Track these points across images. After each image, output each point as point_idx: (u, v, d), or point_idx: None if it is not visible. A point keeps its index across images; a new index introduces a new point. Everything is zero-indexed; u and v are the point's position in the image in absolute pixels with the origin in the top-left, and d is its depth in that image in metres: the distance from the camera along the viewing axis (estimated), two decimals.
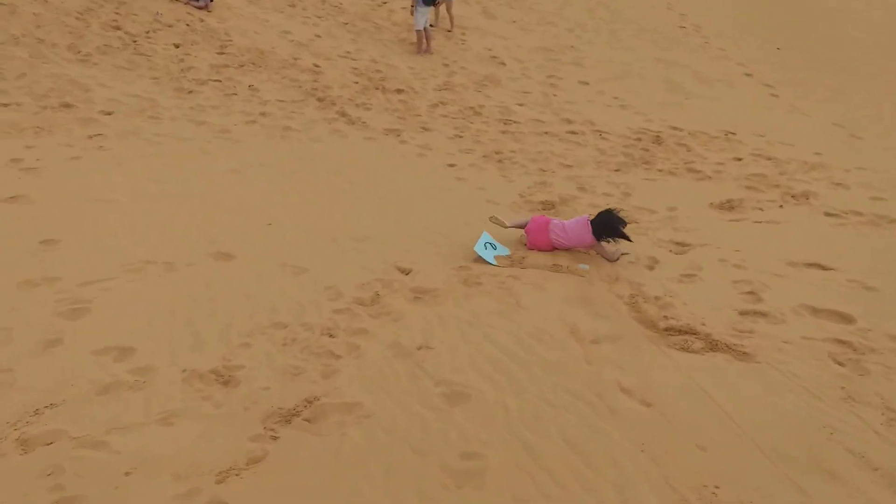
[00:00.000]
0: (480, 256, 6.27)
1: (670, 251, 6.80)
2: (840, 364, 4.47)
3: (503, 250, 6.50)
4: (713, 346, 4.65)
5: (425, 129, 10.73)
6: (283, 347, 4.60)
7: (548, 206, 8.06)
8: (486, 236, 6.55)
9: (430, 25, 14.35)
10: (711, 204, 8.47)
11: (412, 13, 14.10)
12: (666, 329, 4.88)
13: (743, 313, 5.27)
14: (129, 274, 5.62)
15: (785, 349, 4.62)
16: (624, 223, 6.19)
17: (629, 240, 6.24)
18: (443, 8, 15.75)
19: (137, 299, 5.21)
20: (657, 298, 5.52)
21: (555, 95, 12.93)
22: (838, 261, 6.50)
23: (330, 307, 5.25)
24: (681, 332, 4.86)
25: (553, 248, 6.52)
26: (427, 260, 6.30)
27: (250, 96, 11.03)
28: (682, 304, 5.42)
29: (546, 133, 10.97)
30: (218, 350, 4.58)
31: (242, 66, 12.14)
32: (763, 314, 5.23)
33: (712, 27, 18.34)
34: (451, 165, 9.41)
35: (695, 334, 4.82)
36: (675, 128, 11.72)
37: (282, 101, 11.04)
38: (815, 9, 21.00)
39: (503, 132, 10.87)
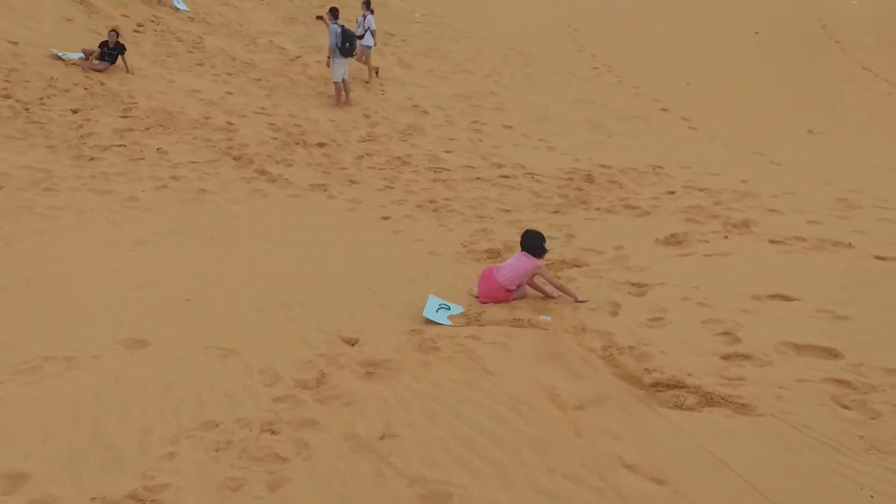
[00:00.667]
0: (431, 320, 5.61)
1: (629, 293, 6.33)
2: (846, 408, 4.02)
3: (456, 308, 5.87)
4: (708, 399, 4.12)
5: (353, 181, 10.09)
6: (216, 454, 3.77)
7: (493, 254, 7.51)
8: (434, 299, 5.91)
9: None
10: (657, 240, 8.13)
11: (328, 65, 13.57)
12: (653, 385, 4.33)
13: (726, 357, 4.79)
14: (21, 376, 4.66)
15: (784, 396, 4.14)
16: (542, 237, 6.17)
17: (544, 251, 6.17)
18: (377, 60, 15.45)
19: (31, 408, 4.27)
20: (632, 349, 4.99)
21: (481, 141, 12.58)
22: (800, 289, 6.18)
23: (267, 395, 4.45)
24: (669, 386, 4.32)
25: (506, 293, 5.98)
26: (373, 325, 5.59)
27: (159, 160, 10.13)
28: (659, 352, 4.90)
29: (478, 179, 10.52)
30: (136, 465, 3.71)
31: (149, 128, 11.23)
32: (746, 356, 4.77)
33: (623, 67, 18.64)
34: (385, 218, 8.78)
35: (684, 388, 4.29)
36: (603, 166, 11.52)
37: (194, 162, 10.19)
38: (728, 41, 21.79)
39: (435, 180, 10.35)
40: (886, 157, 13.46)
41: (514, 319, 5.55)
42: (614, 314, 5.79)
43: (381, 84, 15.39)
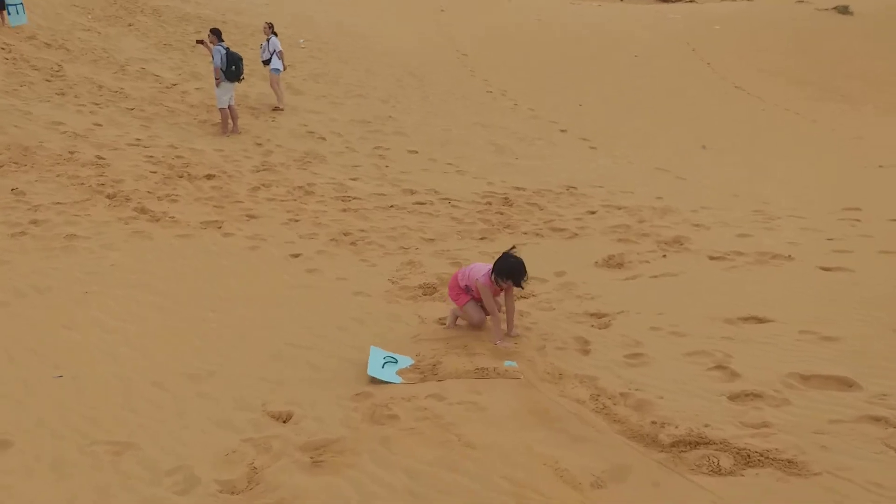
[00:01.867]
0: (378, 378, 4.57)
1: (592, 326, 5.56)
2: None
3: (404, 360, 4.85)
4: (745, 458, 3.35)
5: (251, 216, 8.84)
6: None
7: (428, 289, 6.56)
8: (376, 352, 4.87)
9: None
10: (596, 263, 7.50)
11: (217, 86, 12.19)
12: (673, 444, 3.51)
13: (734, 398, 4.07)
14: None
15: (828, 445, 3.44)
16: (523, 270, 5.22)
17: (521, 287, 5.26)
18: (266, 85, 14.20)
19: None
20: (624, 396, 4.17)
21: (387, 166, 11.63)
22: (768, 309, 5.64)
23: None
24: (691, 444, 3.52)
25: (457, 293, 5.37)
26: (307, 392, 4.48)
27: (15, 202, 8.45)
28: (657, 398, 4.11)
29: (392, 206, 9.56)
30: None
31: (1, 166, 9.46)
32: (756, 395, 4.07)
33: (516, 91, 18.34)
34: (296, 256, 7.62)
35: (710, 444, 3.50)
36: (518, 188, 10.89)
37: (59, 203, 8.57)
38: (610, 63, 22.08)
39: (345, 210, 9.28)
40: (777, 170, 13.73)
41: (476, 369, 4.60)
42: (585, 352, 4.98)
43: (271, 111, 14.14)
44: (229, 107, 12.27)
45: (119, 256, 7.30)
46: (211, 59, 12.47)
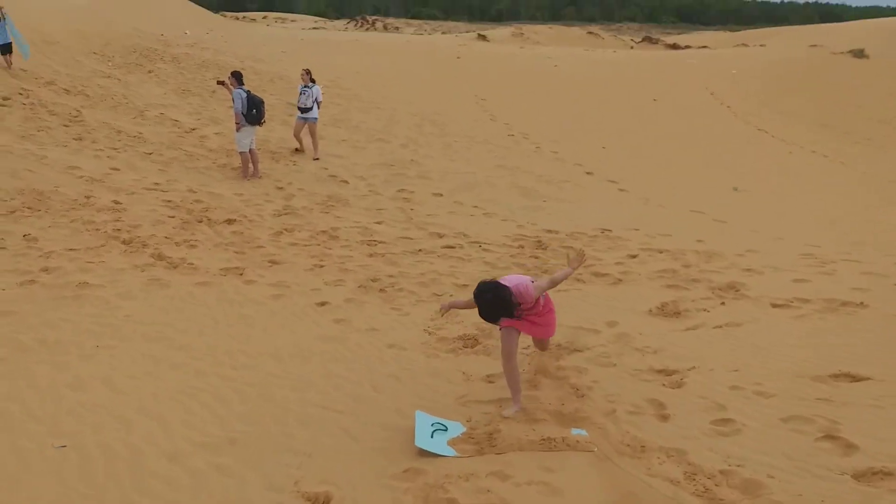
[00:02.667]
0: (428, 450, 3.88)
1: (663, 385, 4.87)
2: None
3: (455, 427, 4.16)
4: None
5: (274, 262, 8.25)
6: None
7: (470, 341, 5.90)
8: (423, 417, 4.20)
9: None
10: (650, 311, 6.82)
11: (238, 130, 11.74)
12: None
13: (859, 477, 3.36)
14: None
15: None
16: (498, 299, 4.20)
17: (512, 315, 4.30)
18: (307, 138, 13.67)
19: None
20: (726, 474, 3.47)
21: (412, 209, 11.08)
22: (858, 365, 4.95)
23: None
24: None
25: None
26: (346, 468, 3.79)
27: (26, 249, 7.91)
28: (766, 477, 3.40)
29: (420, 251, 8.95)
30: None
31: (13, 212, 8.97)
32: (886, 473, 3.36)
33: (538, 134, 17.91)
34: (322, 304, 6.99)
35: None
36: (550, 231, 10.28)
37: (73, 249, 8.03)
38: (629, 107, 21.70)
39: (371, 255, 8.68)
40: (815, 212, 13.10)
41: (542, 440, 3.90)
42: (664, 418, 4.28)
43: (291, 155, 13.70)
44: (250, 151, 11.83)
45: (134, 306, 6.70)
46: (231, 102, 12.10)
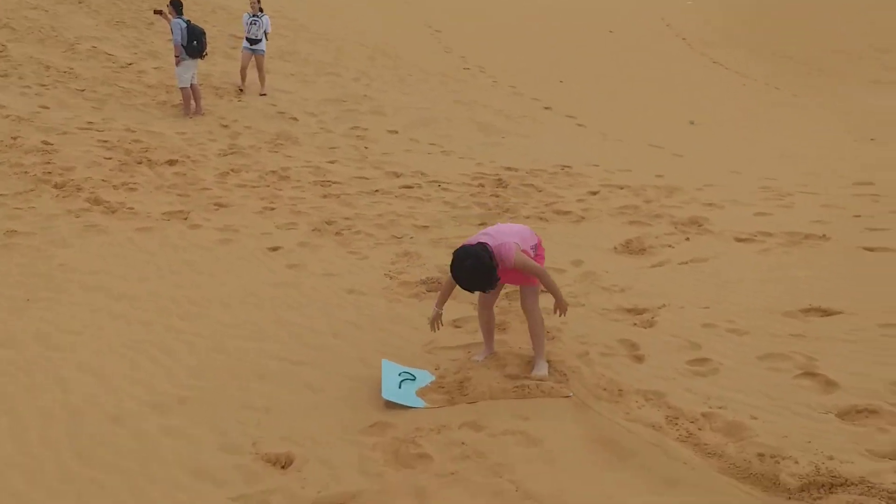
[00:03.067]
0: (396, 402, 3.64)
1: (634, 324, 4.72)
2: None
3: (424, 376, 3.93)
4: None
5: (221, 205, 7.77)
6: None
7: (433, 285, 5.64)
8: (390, 366, 3.94)
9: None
10: (615, 249, 6.67)
11: (178, 64, 10.94)
12: (802, 489, 2.67)
13: (843, 416, 3.26)
14: None
15: None
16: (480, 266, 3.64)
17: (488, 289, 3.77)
18: (252, 72, 12.77)
19: None
20: (708, 417, 3.33)
21: (367, 148, 10.61)
22: (828, 299, 4.87)
23: None
24: (825, 486, 2.68)
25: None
26: (309, 424, 3.53)
27: None
28: (749, 419, 3.28)
29: (377, 191, 8.57)
30: None
31: None
32: (870, 411, 3.26)
33: (494, 67, 17.38)
34: (274, 249, 6.61)
35: (848, 485, 2.67)
36: (509, 168, 9.99)
37: (0, 195, 7.41)
38: (586, 39, 21.22)
39: (325, 196, 8.26)
40: (771, 145, 13.10)
41: (515, 387, 3.69)
42: (638, 359, 4.12)
43: (237, 91, 12.94)
44: (191, 86, 11.07)
45: (69, 254, 6.20)
46: (170, 34, 11.24)
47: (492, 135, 12.13)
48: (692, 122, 14.57)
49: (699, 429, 3.22)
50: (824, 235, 6.58)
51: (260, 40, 12.46)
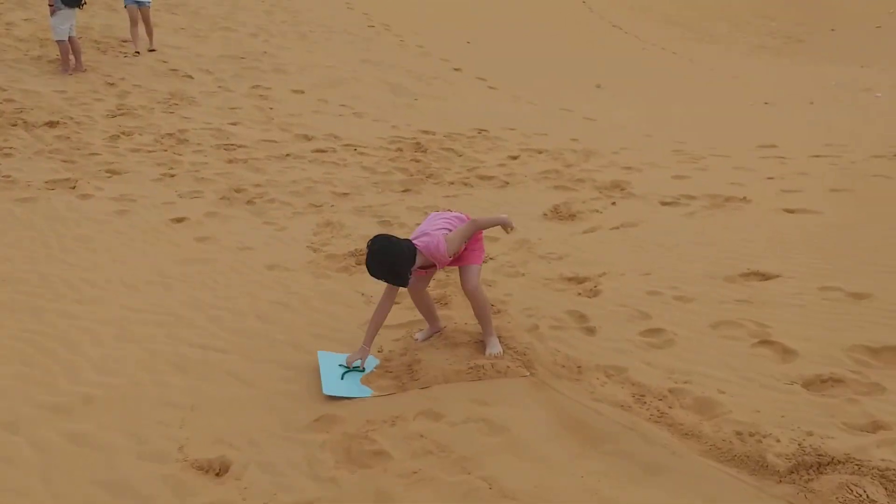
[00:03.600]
0: (340, 396, 3.27)
1: (579, 294, 4.54)
2: None
3: (371, 362, 3.57)
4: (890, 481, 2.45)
5: (113, 171, 7.00)
6: None
7: (363, 256, 5.23)
8: (327, 357, 3.56)
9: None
10: (545, 215, 6.50)
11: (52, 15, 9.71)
12: (791, 470, 2.55)
13: (809, 386, 3.20)
14: None
15: None
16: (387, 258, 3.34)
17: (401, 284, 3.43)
18: (137, 27, 11.36)
19: None
20: (675, 393, 3.19)
21: (272, 108, 9.91)
22: (766, 262, 4.89)
23: None
24: (813, 467, 2.57)
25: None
26: (243, 422, 3.11)
27: None
28: (717, 392, 3.16)
29: (288, 155, 7.99)
30: None
31: None
32: (835, 380, 3.21)
33: (400, 26, 16.77)
34: (179, 220, 5.99)
35: (836, 463, 2.57)
36: (426, 132, 9.62)
37: None
38: (489, 2, 20.85)
39: (230, 161, 7.61)
40: (675, 109, 13.36)
41: (469, 368, 3.41)
42: (590, 331, 3.94)
43: (121, 45, 11.74)
44: (69, 39, 9.90)
45: None
46: None
47: (404, 96, 11.67)
48: (599, 86, 14.65)
49: (669, 407, 3.06)
50: (745, 198, 6.67)
51: None
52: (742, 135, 10.87)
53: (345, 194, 6.85)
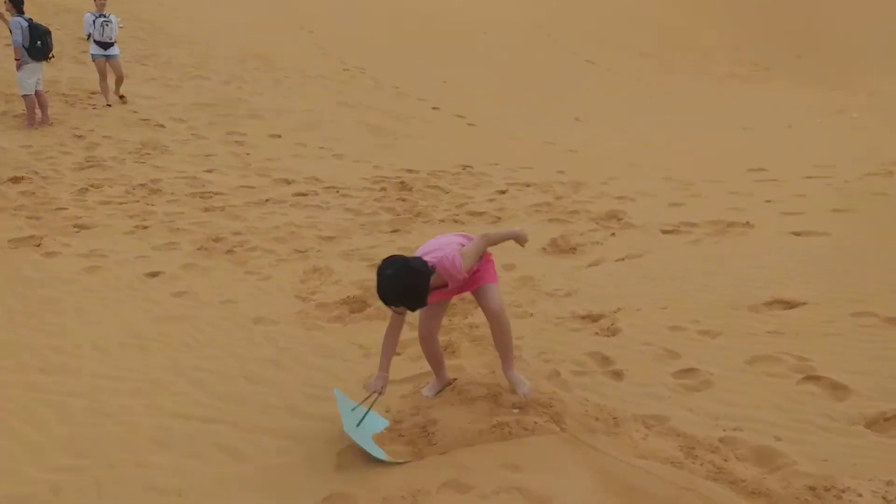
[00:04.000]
0: (356, 443, 2.86)
1: (597, 334, 4.18)
2: None
3: (376, 421, 3.15)
4: None
5: (82, 226, 6.56)
6: None
7: (356, 304, 4.85)
8: (343, 398, 3.15)
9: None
10: (544, 249, 6.18)
11: (19, 69, 9.33)
12: None
13: (872, 426, 2.85)
14: None
15: None
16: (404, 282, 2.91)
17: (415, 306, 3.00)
18: (83, 69, 10.95)
19: None
20: (727, 443, 2.82)
21: (248, 154, 9.55)
22: (787, 289, 4.59)
23: None
24: None
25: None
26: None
27: None
28: (774, 440, 2.80)
29: (268, 201, 7.62)
30: None
31: None
32: (888, 418, 2.87)
33: (375, 69, 16.65)
34: (154, 275, 5.56)
35: None
36: (410, 170, 9.32)
37: None
38: (463, 39, 20.90)
39: (206, 209, 7.21)
40: (657, 138, 13.27)
41: (492, 427, 3.01)
42: (617, 375, 3.57)
43: (90, 97, 11.37)
44: (36, 93, 9.50)
45: None
46: (9, 34, 9.62)
47: (383, 136, 11.40)
48: (577, 119, 14.57)
49: (725, 460, 2.69)
50: (748, 222, 6.43)
51: (113, 43, 10.91)
52: (729, 160, 10.75)
53: (331, 238, 6.47)
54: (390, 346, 3.14)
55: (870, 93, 17.36)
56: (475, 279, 3.25)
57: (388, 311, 4.52)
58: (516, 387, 3.23)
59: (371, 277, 5.35)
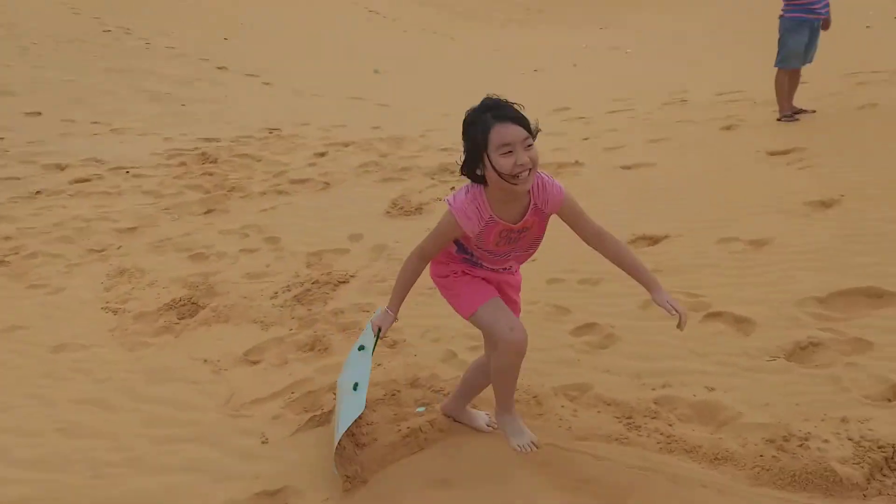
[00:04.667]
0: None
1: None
2: None
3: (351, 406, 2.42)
4: None
5: None
6: None
7: (187, 307, 3.99)
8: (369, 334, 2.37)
9: None
10: (388, 212, 5.68)
11: None
12: (868, 479, 2.01)
13: (791, 356, 2.75)
14: None
15: None
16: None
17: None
18: None
19: None
20: (661, 403, 2.56)
21: (3, 139, 7.79)
22: (642, 224, 4.53)
23: None
24: (884, 466, 2.06)
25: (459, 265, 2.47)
26: None
27: None
28: (707, 390, 2.59)
29: (39, 193, 6.22)
30: None
31: None
32: (813, 344, 2.79)
33: (139, 26, 14.61)
34: None
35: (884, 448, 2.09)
36: (208, 139, 8.23)
37: None
38: None
39: None
40: (457, 86, 13.12)
41: (404, 437, 2.48)
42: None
43: None
44: None
45: None
46: None
47: (168, 104, 9.99)
48: (376, 71, 13.97)
49: (669, 425, 2.42)
50: (577, 161, 6.42)
51: None
52: (533, 102, 10.85)
53: (131, 229, 5.37)
54: (407, 279, 2.35)
55: (637, 30, 18.71)
56: (509, 294, 2.44)
57: (234, 314, 3.76)
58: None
59: (194, 271, 4.48)
